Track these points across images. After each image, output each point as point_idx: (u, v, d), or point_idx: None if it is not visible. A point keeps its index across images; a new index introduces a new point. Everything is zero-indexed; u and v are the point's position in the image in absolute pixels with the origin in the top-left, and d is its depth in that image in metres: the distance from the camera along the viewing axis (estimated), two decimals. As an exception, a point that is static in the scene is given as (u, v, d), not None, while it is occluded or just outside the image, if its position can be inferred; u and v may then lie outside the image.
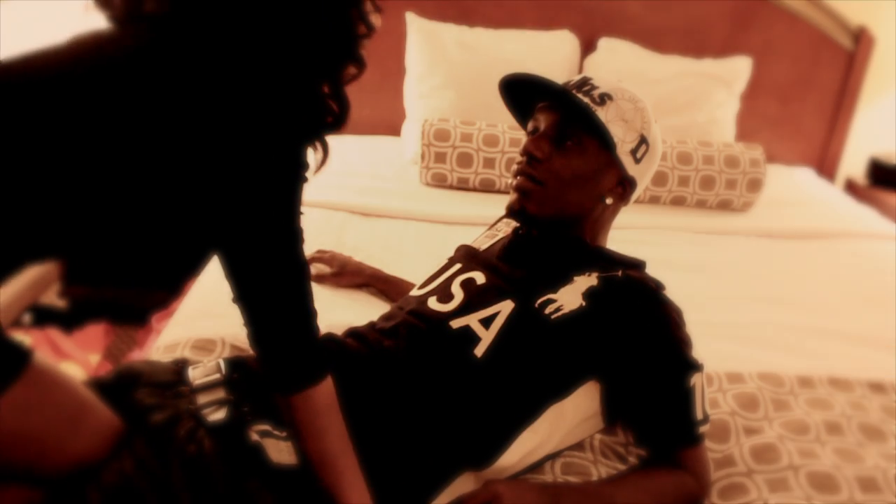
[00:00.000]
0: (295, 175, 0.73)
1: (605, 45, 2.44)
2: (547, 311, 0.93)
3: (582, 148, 1.01)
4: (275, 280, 0.75)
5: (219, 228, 0.73)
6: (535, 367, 0.92)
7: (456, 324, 0.94)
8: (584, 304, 0.94)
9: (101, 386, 0.83)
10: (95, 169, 0.66)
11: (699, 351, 1.37)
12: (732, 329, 1.48)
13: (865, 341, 1.47)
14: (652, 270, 1.74)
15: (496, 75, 1.09)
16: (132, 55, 0.68)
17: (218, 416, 0.80)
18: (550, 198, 1.01)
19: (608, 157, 1.02)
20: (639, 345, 0.94)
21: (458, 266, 1.05)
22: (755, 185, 2.09)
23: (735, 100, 2.41)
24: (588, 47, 2.47)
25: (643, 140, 1.03)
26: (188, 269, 0.76)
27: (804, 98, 2.57)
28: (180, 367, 0.90)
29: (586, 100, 1.00)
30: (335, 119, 0.75)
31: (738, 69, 2.39)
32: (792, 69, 2.52)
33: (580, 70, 2.46)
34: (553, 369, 0.93)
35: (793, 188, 2.40)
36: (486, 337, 0.92)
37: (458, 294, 0.98)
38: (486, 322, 0.93)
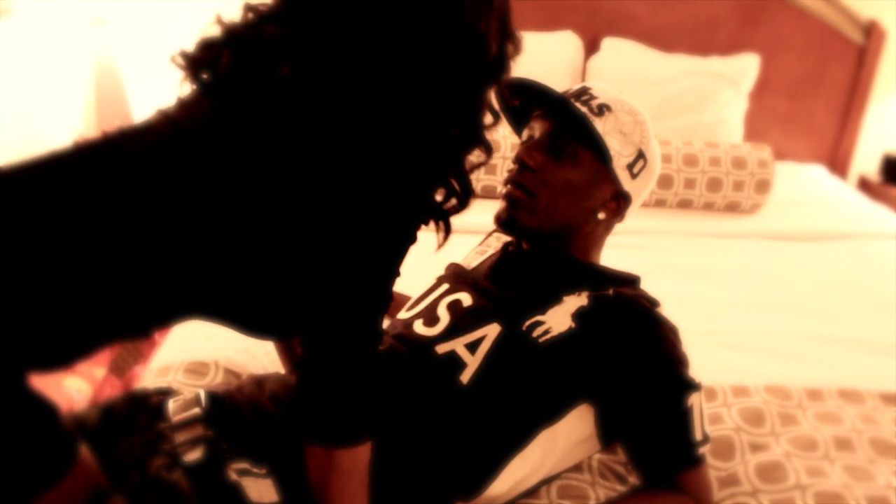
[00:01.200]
0: (404, 250, 0.75)
1: (609, 45, 2.40)
2: (535, 334, 0.90)
3: (576, 159, 0.97)
4: (351, 341, 0.75)
5: (313, 290, 0.72)
6: (523, 392, 0.89)
7: (441, 349, 0.91)
8: (573, 325, 0.91)
9: (87, 432, 0.82)
10: (223, 239, 0.65)
11: (704, 363, 1.34)
12: (739, 338, 1.45)
13: (879, 349, 1.43)
14: (656, 277, 1.71)
15: (497, 79, 1.06)
16: (258, 126, 0.65)
17: (195, 455, 0.78)
18: (540, 209, 0.98)
19: (603, 171, 0.98)
20: (632, 366, 0.91)
21: (445, 286, 1.03)
22: (763, 186, 2.05)
23: (743, 98, 2.36)
24: (591, 48, 2.44)
25: (641, 155, 1.00)
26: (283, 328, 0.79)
27: (814, 95, 2.51)
28: (161, 399, 0.88)
29: (584, 109, 0.97)
30: (459, 202, 0.77)
31: (745, 67, 2.34)
32: (801, 65, 2.47)
33: (584, 72, 2.43)
34: (543, 394, 0.90)
35: (804, 187, 2.35)
36: (472, 363, 0.89)
37: (444, 317, 0.95)
38: (472, 347, 0.90)
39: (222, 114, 0.65)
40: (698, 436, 0.92)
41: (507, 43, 0.73)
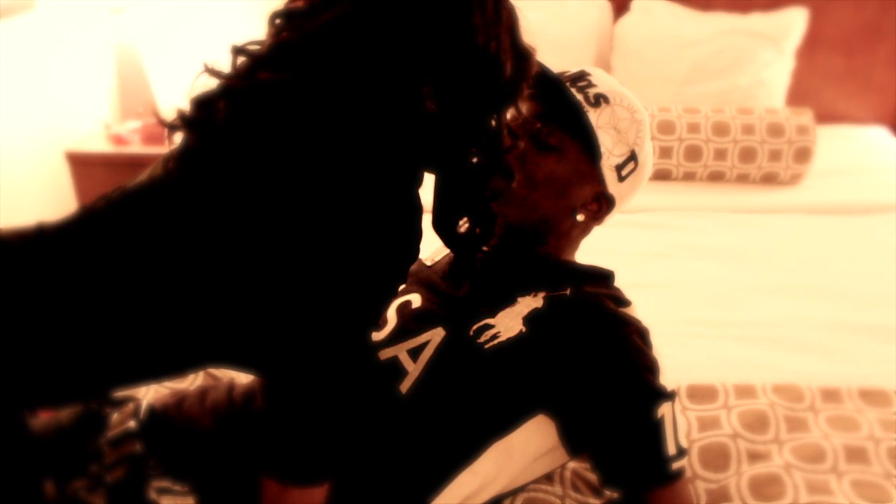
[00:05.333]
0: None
1: (640, 5, 2.25)
2: (481, 339, 0.82)
3: (561, 150, 0.88)
4: (330, 367, 0.70)
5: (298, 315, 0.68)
6: (468, 403, 0.82)
7: (385, 355, 0.85)
8: (524, 329, 0.82)
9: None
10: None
11: (710, 358, 1.23)
12: (757, 329, 1.32)
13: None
14: (676, 259, 1.60)
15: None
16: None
17: (118, 474, 0.76)
18: (515, 199, 0.89)
19: (589, 168, 0.89)
20: (592, 373, 0.82)
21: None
22: (804, 154, 1.86)
23: (786, 58, 2.15)
24: (621, 10, 2.28)
25: (633, 156, 0.90)
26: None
27: (873, 48, 2.26)
28: (110, 411, 0.86)
29: (579, 96, 0.87)
30: (482, 231, 0.77)
31: (789, 23, 2.12)
32: (858, 15, 2.23)
33: (612, 36, 2.27)
34: (490, 405, 0.82)
35: (860, 152, 2.13)
36: (413, 370, 0.82)
37: (392, 319, 0.89)
38: (415, 353, 0.84)
39: (223, 166, 0.64)
40: (671, 450, 0.83)
41: (521, 61, 0.69)
